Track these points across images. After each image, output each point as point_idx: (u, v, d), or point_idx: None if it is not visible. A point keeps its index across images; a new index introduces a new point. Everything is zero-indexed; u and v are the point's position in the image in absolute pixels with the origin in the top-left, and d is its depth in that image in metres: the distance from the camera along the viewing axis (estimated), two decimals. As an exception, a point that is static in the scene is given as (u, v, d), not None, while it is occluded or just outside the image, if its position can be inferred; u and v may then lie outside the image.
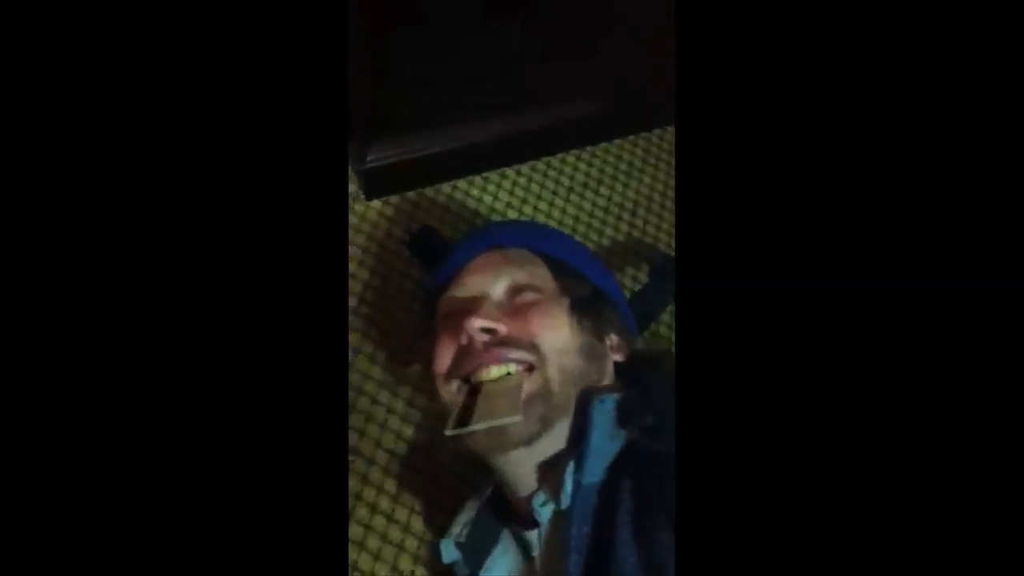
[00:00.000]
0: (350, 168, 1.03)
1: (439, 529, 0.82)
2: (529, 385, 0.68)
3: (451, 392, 0.73)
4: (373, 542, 0.83)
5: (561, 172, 1.12)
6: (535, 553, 0.70)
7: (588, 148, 1.15)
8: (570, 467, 0.65)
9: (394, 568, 0.82)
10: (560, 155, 1.13)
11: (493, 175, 1.09)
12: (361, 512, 0.84)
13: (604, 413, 0.67)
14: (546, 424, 0.68)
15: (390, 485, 0.86)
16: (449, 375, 0.73)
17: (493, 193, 1.08)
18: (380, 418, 0.89)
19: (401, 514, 0.85)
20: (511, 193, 1.09)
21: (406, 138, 1.00)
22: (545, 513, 0.67)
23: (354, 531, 0.83)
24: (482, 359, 0.69)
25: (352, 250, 0.98)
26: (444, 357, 0.73)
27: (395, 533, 0.84)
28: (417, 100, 0.98)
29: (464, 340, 0.71)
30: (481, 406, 0.67)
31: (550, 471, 0.69)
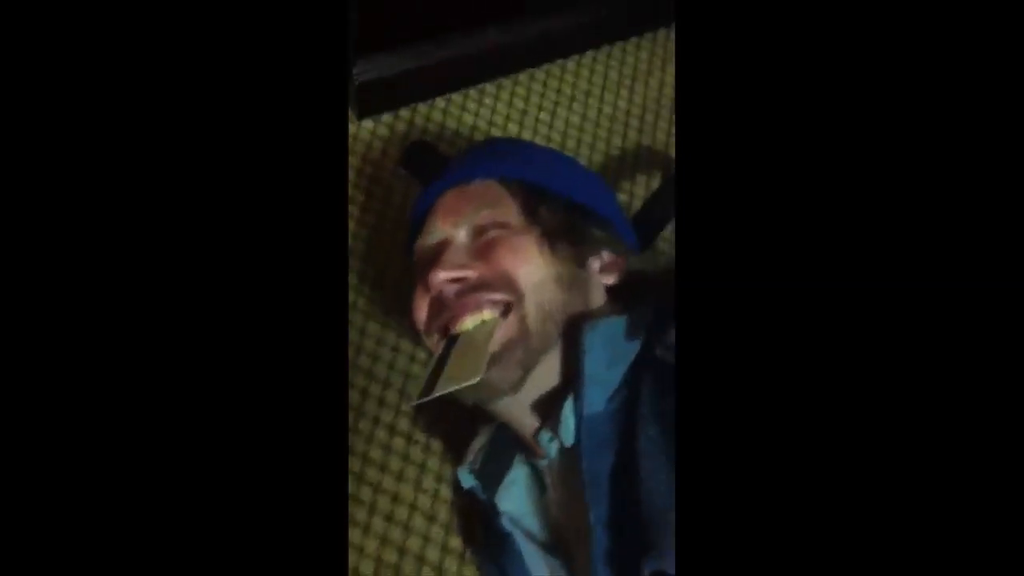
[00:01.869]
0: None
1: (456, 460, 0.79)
2: (504, 330, 0.64)
3: (435, 346, 0.69)
4: (389, 483, 0.79)
5: (562, 80, 1.05)
6: (547, 481, 0.68)
7: (588, 53, 1.08)
8: (568, 402, 0.62)
9: (412, 505, 0.79)
10: (559, 62, 1.06)
11: (490, 87, 1.02)
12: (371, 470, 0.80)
13: (597, 339, 0.63)
14: (527, 367, 0.65)
15: (403, 426, 0.82)
16: (428, 330, 0.70)
17: (491, 106, 1.01)
18: (381, 376, 0.84)
19: (415, 454, 0.81)
20: (510, 105, 1.02)
21: (397, 51, 0.93)
22: (552, 449, 0.65)
23: (364, 491, 0.79)
24: (454, 310, 0.66)
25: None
26: (420, 312, 0.70)
27: (411, 471, 0.80)
28: (408, 10, 0.91)
29: (435, 292, 0.67)
30: (449, 367, 0.64)
31: (549, 408, 0.66)
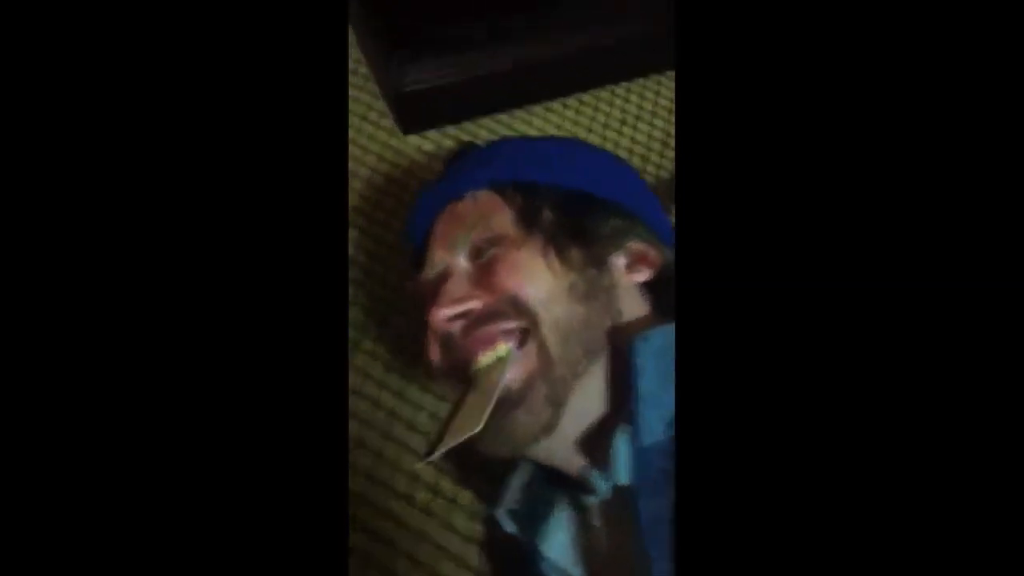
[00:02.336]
0: (383, 97, 0.94)
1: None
2: (523, 364, 0.56)
3: (458, 389, 0.62)
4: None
5: (613, 103, 1.03)
6: (596, 522, 0.60)
7: (639, 80, 1.06)
8: (620, 433, 0.54)
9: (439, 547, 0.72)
10: (611, 87, 1.04)
11: (538, 108, 1.00)
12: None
13: (649, 354, 0.54)
14: (558, 401, 0.56)
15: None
16: (446, 375, 0.62)
17: (540, 128, 0.99)
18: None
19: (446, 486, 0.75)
20: (559, 128, 0.99)
21: (449, 59, 0.91)
22: (603, 486, 0.57)
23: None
24: (466, 351, 0.59)
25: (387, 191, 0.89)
26: (434, 356, 0.62)
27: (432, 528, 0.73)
28: (463, 15, 0.89)
29: (442, 333, 0.60)
30: (455, 418, 0.57)
31: (597, 441, 0.57)
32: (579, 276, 0.59)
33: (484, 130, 0.96)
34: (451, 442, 0.54)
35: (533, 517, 0.62)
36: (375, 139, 0.93)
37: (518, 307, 0.57)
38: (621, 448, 0.54)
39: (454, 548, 0.70)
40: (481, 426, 0.52)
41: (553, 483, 0.63)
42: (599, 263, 0.60)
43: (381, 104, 0.95)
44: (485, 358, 0.58)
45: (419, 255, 0.66)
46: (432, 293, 0.61)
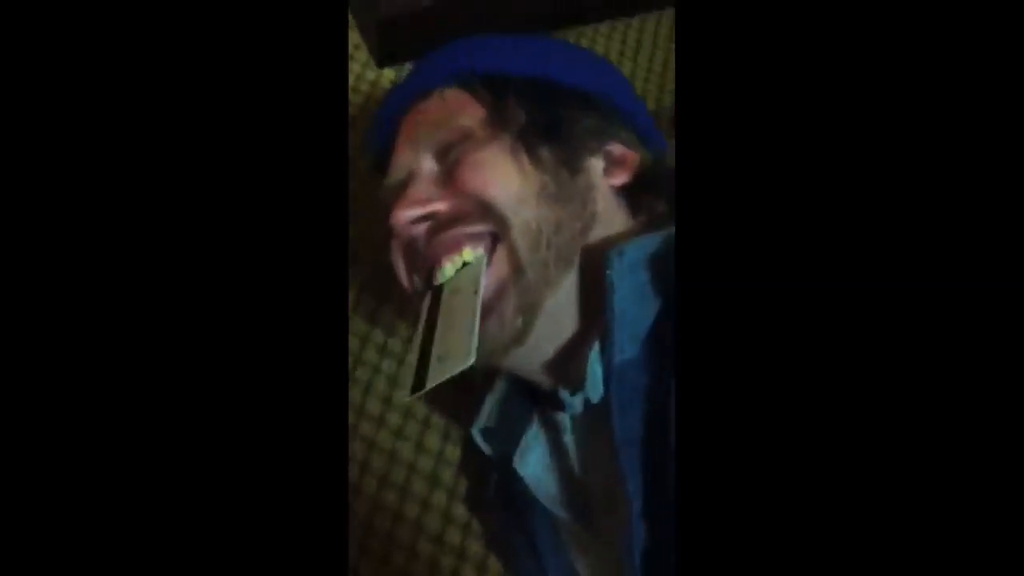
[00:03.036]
0: (356, 24, 0.88)
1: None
2: (493, 270, 0.53)
3: (422, 300, 0.57)
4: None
5: (612, 37, 0.96)
6: (567, 440, 0.56)
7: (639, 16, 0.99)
8: (593, 350, 0.51)
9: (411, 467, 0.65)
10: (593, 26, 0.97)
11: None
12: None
13: (625, 269, 0.50)
14: (529, 310, 0.53)
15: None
16: (412, 285, 0.58)
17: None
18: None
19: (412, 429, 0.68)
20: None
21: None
22: (575, 404, 0.53)
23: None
24: (431, 256, 0.54)
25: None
26: (399, 268, 0.58)
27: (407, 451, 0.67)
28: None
29: (406, 239, 0.56)
30: (438, 343, 0.52)
31: (568, 359, 0.54)
32: (551, 177, 0.54)
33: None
34: (443, 374, 0.50)
35: (508, 435, 0.59)
36: (348, 71, 0.86)
37: (485, 209, 0.53)
38: (594, 366, 0.50)
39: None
40: (472, 358, 0.48)
41: (527, 400, 0.59)
42: (573, 164, 0.56)
43: (355, 36, 0.89)
44: (450, 263, 0.54)
45: (383, 159, 0.61)
46: (395, 198, 0.56)
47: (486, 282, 0.52)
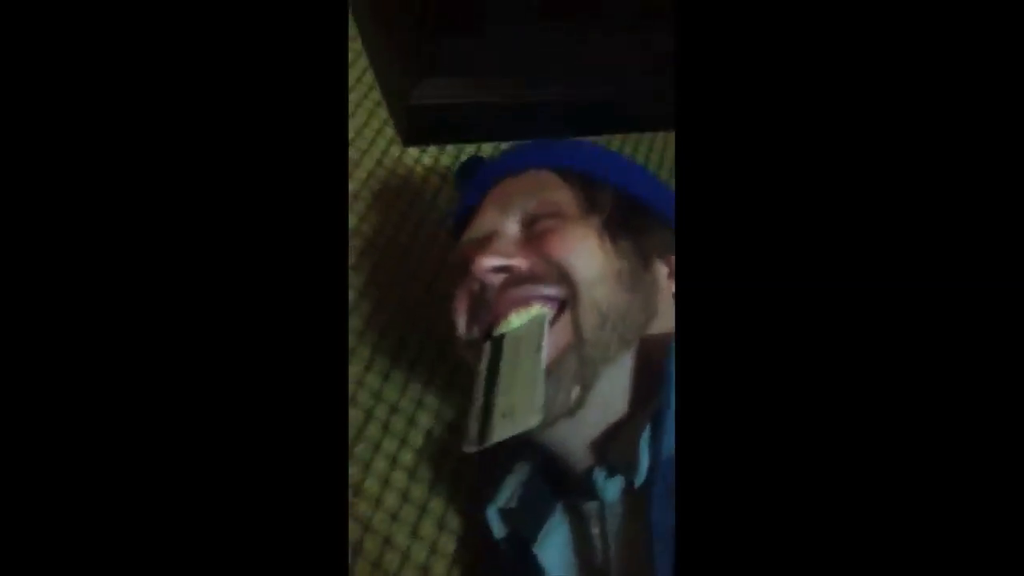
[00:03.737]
0: (388, 106, 0.91)
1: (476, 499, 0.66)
2: (556, 335, 0.54)
3: (472, 354, 0.59)
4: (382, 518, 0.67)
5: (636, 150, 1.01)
6: (594, 531, 0.55)
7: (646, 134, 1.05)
8: (645, 435, 0.51)
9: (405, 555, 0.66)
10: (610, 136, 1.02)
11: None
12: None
13: None
14: (586, 383, 0.54)
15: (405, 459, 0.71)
16: (469, 330, 0.60)
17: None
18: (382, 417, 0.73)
19: (417, 492, 0.69)
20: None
21: (466, 79, 0.89)
22: (611, 490, 0.53)
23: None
24: (499, 307, 0.56)
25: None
26: (459, 311, 0.60)
27: (409, 513, 0.68)
28: (485, 37, 0.87)
29: (477, 287, 0.58)
30: (502, 398, 0.53)
31: (612, 441, 0.55)
32: (627, 266, 0.57)
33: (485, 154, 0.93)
34: (506, 433, 0.50)
35: (528, 519, 0.58)
36: (375, 145, 0.89)
37: (563, 276, 0.55)
38: (643, 451, 0.51)
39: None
40: (540, 416, 0.50)
41: (551, 484, 0.59)
42: (647, 263, 0.59)
43: (383, 113, 0.92)
44: (516, 316, 0.56)
45: (464, 221, 0.64)
46: (477, 248, 0.59)
47: (547, 344, 0.53)
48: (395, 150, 0.90)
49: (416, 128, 0.89)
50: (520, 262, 0.56)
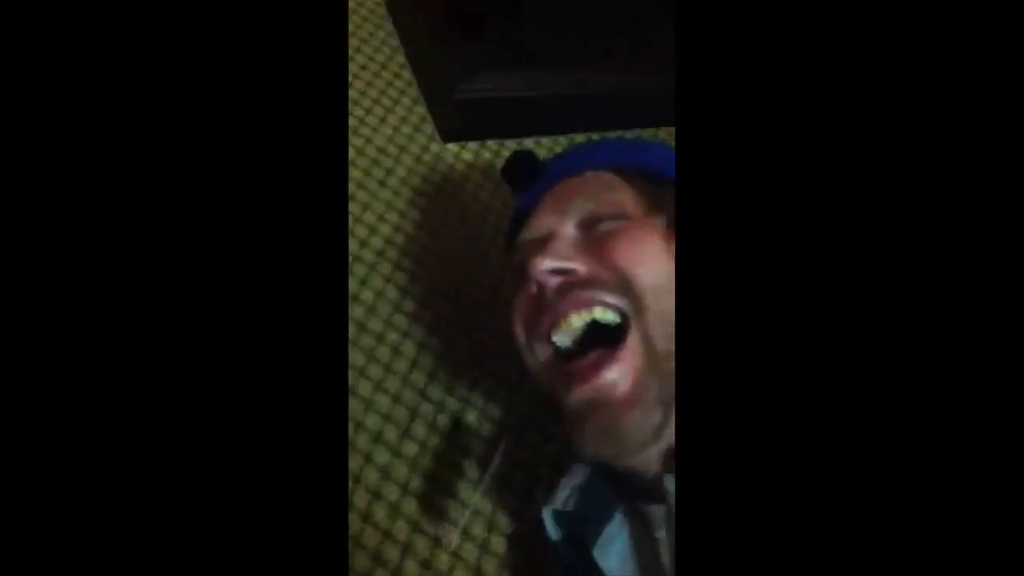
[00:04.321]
0: (427, 101, 0.89)
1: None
2: (628, 357, 0.51)
3: (537, 360, 0.56)
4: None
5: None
6: (660, 534, 0.53)
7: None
8: None
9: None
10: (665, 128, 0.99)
11: (581, 139, 0.94)
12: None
13: None
14: (666, 402, 0.50)
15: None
16: (529, 338, 0.57)
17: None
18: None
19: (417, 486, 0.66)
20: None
21: (503, 75, 0.86)
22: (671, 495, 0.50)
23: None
24: (559, 308, 0.53)
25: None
26: (518, 319, 0.57)
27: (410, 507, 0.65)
28: (531, 31, 0.85)
29: (535, 289, 0.55)
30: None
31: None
32: None
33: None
34: None
35: (586, 523, 0.55)
36: (414, 142, 0.87)
37: (626, 284, 0.52)
38: None
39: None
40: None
41: (611, 487, 0.56)
42: None
43: (421, 110, 0.90)
44: (578, 317, 0.53)
45: (519, 224, 0.62)
46: (534, 250, 0.56)
47: (623, 373, 0.51)
48: (435, 147, 0.87)
49: (456, 124, 0.87)
50: (580, 266, 0.54)
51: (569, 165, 0.62)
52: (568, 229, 0.57)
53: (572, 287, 0.53)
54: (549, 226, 0.58)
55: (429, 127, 0.89)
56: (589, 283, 0.53)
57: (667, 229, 0.54)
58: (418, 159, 0.86)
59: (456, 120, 0.87)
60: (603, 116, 0.93)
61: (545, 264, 0.53)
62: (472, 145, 0.89)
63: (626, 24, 0.88)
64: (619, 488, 0.56)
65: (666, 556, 0.52)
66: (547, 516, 0.57)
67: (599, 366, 0.51)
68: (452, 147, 0.88)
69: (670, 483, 0.50)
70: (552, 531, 0.57)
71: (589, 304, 0.53)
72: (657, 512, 0.53)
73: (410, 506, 0.64)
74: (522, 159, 0.75)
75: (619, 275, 0.52)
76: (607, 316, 0.53)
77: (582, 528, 0.56)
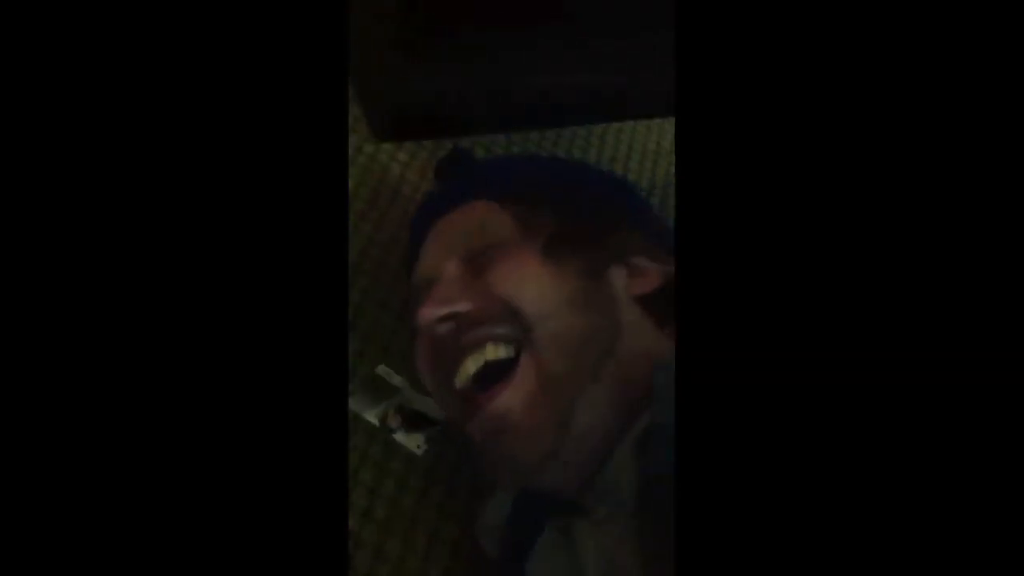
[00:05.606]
0: (362, 101, 0.86)
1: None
2: (519, 384, 0.52)
3: (446, 403, 0.58)
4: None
5: (604, 139, 0.95)
6: (586, 547, 0.53)
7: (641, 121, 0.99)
8: (631, 455, 0.49)
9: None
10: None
11: (524, 135, 0.92)
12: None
13: (669, 384, 0.48)
14: (562, 423, 0.51)
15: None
16: (436, 386, 0.58)
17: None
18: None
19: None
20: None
21: (443, 73, 0.83)
22: (600, 510, 0.51)
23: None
24: (452, 356, 0.54)
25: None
26: (422, 363, 0.58)
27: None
28: (466, 27, 0.81)
29: (428, 336, 0.56)
30: None
31: (600, 470, 0.51)
32: (579, 286, 0.54)
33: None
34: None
35: (517, 540, 0.56)
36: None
37: (512, 313, 0.52)
38: (630, 476, 0.48)
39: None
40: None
41: (540, 503, 0.56)
42: (598, 274, 0.56)
43: (355, 109, 0.86)
44: (472, 361, 0.53)
45: (411, 265, 0.63)
46: (420, 297, 0.58)
47: (516, 398, 0.51)
48: (368, 147, 0.84)
49: (392, 123, 0.84)
50: (465, 305, 0.54)
51: (450, 198, 0.62)
52: (451, 268, 0.57)
53: (461, 330, 0.54)
54: (433, 267, 0.58)
55: (363, 126, 0.86)
56: (477, 321, 0.53)
57: (543, 252, 0.55)
58: (352, 160, 0.83)
59: (389, 119, 0.84)
60: (540, 115, 0.91)
61: (430, 314, 0.54)
62: (408, 145, 0.86)
63: (564, 22, 0.85)
64: (548, 505, 0.56)
65: (595, 570, 0.52)
66: (481, 531, 0.57)
67: (492, 397, 0.52)
68: (388, 147, 0.85)
69: (592, 501, 0.51)
70: (489, 545, 0.57)
71: (480, 343, 0.53)
72: (583, 529, 0.52)
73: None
74: (457, 158, 0.73)
75: (504, 306, 0.53)
76: (499, 352, 0.53)
77: (513, 544, 0.55)
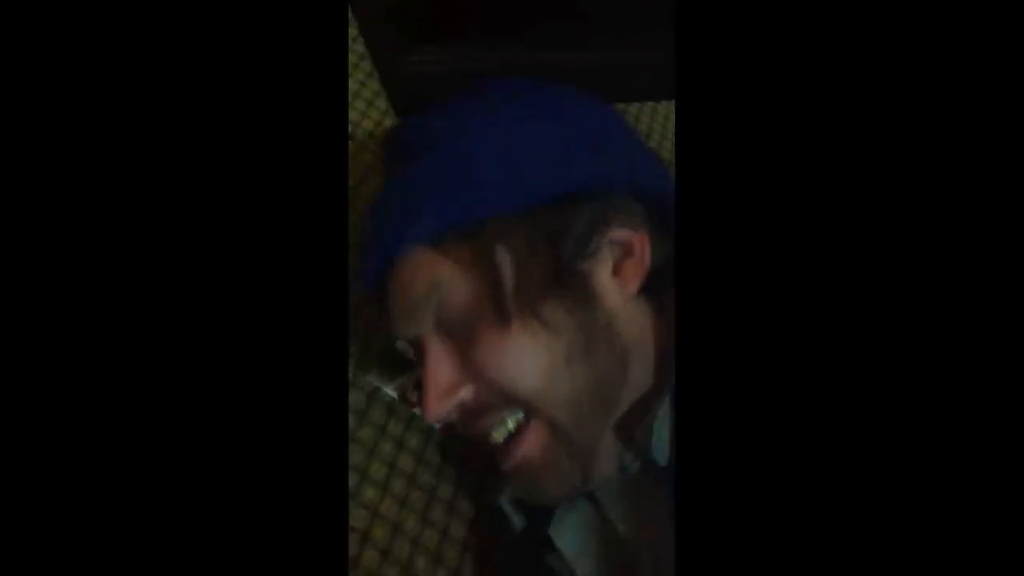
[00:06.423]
0: (380, 78, 0.87)
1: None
2: (535, 437, 0.53)
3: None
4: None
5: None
6: (611, 513, 0.55)
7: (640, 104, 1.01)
8: (661, 413, 0.50)
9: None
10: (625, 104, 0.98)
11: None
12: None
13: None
14: (582, 454, 0.53)
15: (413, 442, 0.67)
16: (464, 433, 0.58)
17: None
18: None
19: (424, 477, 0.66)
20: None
21: (461, 47, 0.86)
22: (630, 466, 0.53)
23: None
24: (477, 430, 0.55)
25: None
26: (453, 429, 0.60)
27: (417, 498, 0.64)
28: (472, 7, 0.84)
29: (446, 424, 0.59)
30: None
31: (635, 426, 0.53)
32: (568, 337, 0.51)
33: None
34: None
35: (544, 507, 0.57)
36: (368, 117, 0.85)
37: (511, 397, 0.52)
38: (661, 430, 0.50)
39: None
40: None
41: None
42: (587, 283, 0.52)
43: (375, 84, 0.88)
44: (497, 433, 0.54)
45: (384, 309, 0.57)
46: (418, 387, 0.57)
47: (532, 447, 0.53)
48: (389, 122, 0.86)
49: (412, 97, 0.85)
50: (466, 394, 0.53)
51: (389, 246, 0.53)
52: (432, 345, 0.53)
53: (471, 417, 0.54)
54: (413, 331, 0.54)
55: (383, 102, 0.87)
56: (483, 410, 0.53)
57: (518, 308, 0.50)
58: (372, 135, 0.84)
59: (409, 94, 0.85)
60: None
61: (437, 413, 0.53)
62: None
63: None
64: None
65: (621, 531, 0.54)
66: (504, 504, 0.58)
67: (512, 448, 0.53)
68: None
69: (627, 463, 0.53)
70: (514, 519, 0.58)
71: (496, 423, 0.53)
72: (607, 491, 0.54)
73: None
74: (403, 130, 0.68)
75: (500, 393, 0.52)
76: (509, 426, 0.54)
77: (536, 510, 0.57)
